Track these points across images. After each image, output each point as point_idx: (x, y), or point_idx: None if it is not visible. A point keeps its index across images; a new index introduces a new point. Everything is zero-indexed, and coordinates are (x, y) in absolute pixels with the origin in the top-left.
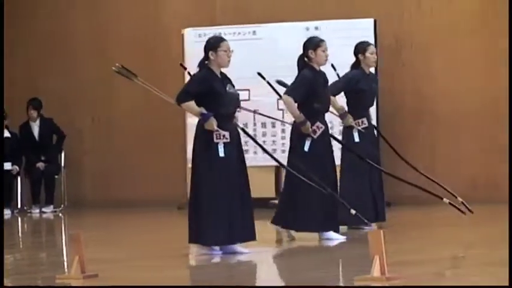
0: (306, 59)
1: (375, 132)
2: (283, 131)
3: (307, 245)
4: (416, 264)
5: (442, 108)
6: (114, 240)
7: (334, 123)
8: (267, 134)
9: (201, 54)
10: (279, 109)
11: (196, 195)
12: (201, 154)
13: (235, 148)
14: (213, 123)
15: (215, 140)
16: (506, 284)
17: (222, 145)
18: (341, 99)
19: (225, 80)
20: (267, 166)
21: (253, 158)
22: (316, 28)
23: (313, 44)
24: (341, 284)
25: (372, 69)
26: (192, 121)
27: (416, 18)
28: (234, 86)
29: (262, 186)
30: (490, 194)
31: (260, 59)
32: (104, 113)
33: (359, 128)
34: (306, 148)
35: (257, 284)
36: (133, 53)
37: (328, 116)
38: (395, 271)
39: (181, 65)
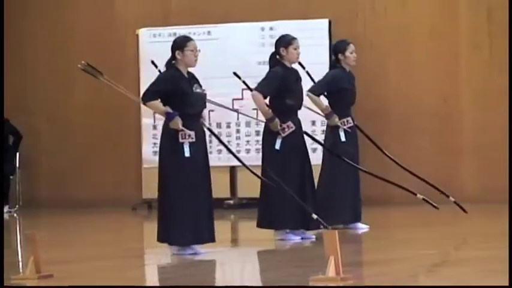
0: (277, 56)
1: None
2: (238, 131)
3: (265, 246)
4: (372, 264)
5: (396, 109)
6: (69, 240)
7: (317, 123)
8: (222, 134)
9: (156, 54)
10: (233, 109)
11: (163, 195)
12: (166, 154)
13: (201, 148)
14: (178, 123)
15: (180, 140)
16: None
17: (188, 145)
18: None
19: (192, 79)
20: (222, 166)
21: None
22: (271, 28)
23: (284, 42)
24: (296, 284)
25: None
26: (147, 121)
27: (370, 19)
28: (201, 86)
29: (217, 187)
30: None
31: (215, 59)
32: (60, 113)
33: (344, 127)
34: (277, 146)
35: (214, 284)
36: (89, 52)
37: (310, 115)
38: (351, 271)
39: (153, 62)
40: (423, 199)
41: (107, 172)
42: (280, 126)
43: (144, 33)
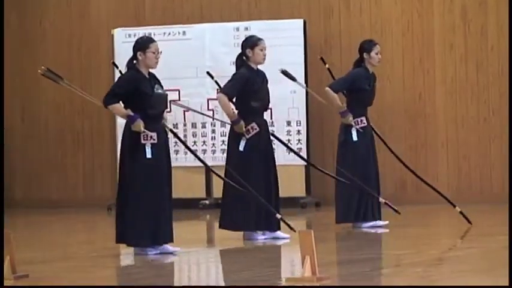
0: (244, 57)
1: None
2: (213, 131)
3: (239, 246)
4: (348, 263)
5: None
6: (45, 240)
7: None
8: (197, 135)
9: (131, 54)
10: (208, 109)
11: (123, 195)
12: (128, 155)
13: (162, 149)
14: (140, 125)
15: (142, 141)
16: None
17: (150, 146)
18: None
19: (153, 80)
20: (197, 167)
21: (184, 158)
22: (246, 28)
23: (251, 43)
24: (272, 284)
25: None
26: (122, 121)
27: (345, 19)
28: (162, 87)
29: (192, 187)
30: (418, 194)
31: (190, 59)
32: (34, 113)
33: (357, 127)
34: (241, 148)
35: (186, 284)
36: (64, 52)
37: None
38: (328, 271)
39: (113, 63)
40: (385, 203)
41: (82, 172)
42: (245, 128)
43: (118, 33)
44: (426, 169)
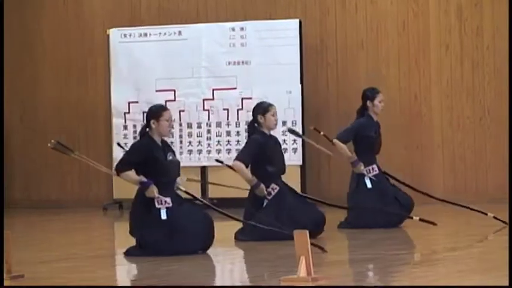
0: (255, 124)
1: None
2: (208, 131)
3: (236, 246)
4: (343, 264)
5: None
6: (40, 240)
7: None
8: (192, 135)
9: (126, 54)
10: (204, 109)
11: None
12: (141, 219)
13: (179, 209)
14: (153, 190)
15: (157, 206)
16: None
17: (165, 210)
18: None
19: (166, 147)
20: (192, 167)
21: (179, 158)
22: (242, 28)
23: (262, 109)
24: (267, 284)
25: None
26: (118, 121)
27: (340, 18)
28: (174, 154)
29: (187, 187)
30: (415, 194)
31: (185, 59)
32: (31, 113)
33: (370, 175)
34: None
35: (186, 284)
36: (60, 52)
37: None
38: (323, 271)
39: (119, 144)
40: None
41: (78, 172)
42: (266, 190)
43: (114, 33)
44: (422, 169)
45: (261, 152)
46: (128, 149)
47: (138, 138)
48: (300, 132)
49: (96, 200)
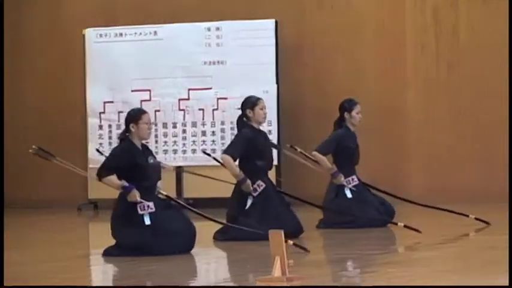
0: (244, 118)
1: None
2: (184, 131)
3: (211, 246)
4: (319, 264)
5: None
6: (16, 241)
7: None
8: (168, 135)
9: (102, 54)
10: (180, 109)
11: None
12: (123, 223)
13: (162, 214)
14: (135, 195)
15: (140, 212)
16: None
17: (148, 216)
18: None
19: (146, 151)
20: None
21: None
22: (218, 28)
23: (250, 103)
24: (242, 284)
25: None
26: (93, 121)
27: (317, 18)
28: (155, 157)
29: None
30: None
31: (161, 59)
32: (8, 114)
33: (350, 186)
34: (247, 207)
35: (160, 285)
36: (37, 52)
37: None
38: (299, 271)
39: (98, 150)
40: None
41: (53, 173)
42: (252, 186)
43: (90, 33)
44: (398, 168)
45: (251, 146)
46: (108, 154)
47: (113, 138)
48: (277, 144)
49: (71, 200)
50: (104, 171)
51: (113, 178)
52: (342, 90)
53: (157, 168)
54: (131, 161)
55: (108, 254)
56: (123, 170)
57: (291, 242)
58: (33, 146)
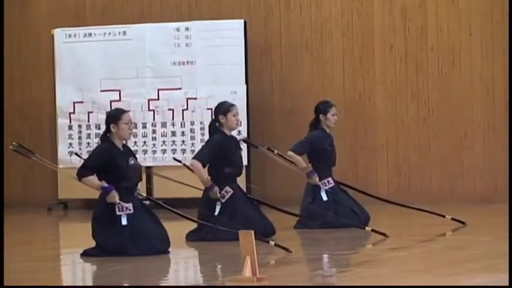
0: (217, 124)
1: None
2: (153, 131)
3: (182, 246)
4: (288, 264)
5: (310, 107)
6: None
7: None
8: (137, 135)
9: (71, 54)
10: (149, 110)
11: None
12: (103, 224)
13: (140, 216)
14: (114, 196)
15: (118, 213)
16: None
17: (125, 217)
18: None
19: (127, 152)
20: None
21: None
22: (187, 29)
23: (223, 109)
24: (212, 284)
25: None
26: (63, 121)
27: (285, 19)
28: (136, 158)
29: None
30: (359, 194)
31: (130, 59)
32: None
33: (326, 188)
34: (216, 213)
35: (127, 284)
36: (6, 52)
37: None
38: (269, 271)
39: (77, 154)
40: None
41: (22, 172)
42: (220, 193)
43: (59, 33)
44: (366, 169)
45: (220, 152)
46: (89, 155)
47: (83, 138)
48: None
49: (40, 200)
50: (83, 171)
51: (93, 178)
52: (310, 91)
53: (138, 169)
54: (111, 161)
55: (86, 254)
56: (103, 171)
57: (272, 242)
58: (14, 143)
